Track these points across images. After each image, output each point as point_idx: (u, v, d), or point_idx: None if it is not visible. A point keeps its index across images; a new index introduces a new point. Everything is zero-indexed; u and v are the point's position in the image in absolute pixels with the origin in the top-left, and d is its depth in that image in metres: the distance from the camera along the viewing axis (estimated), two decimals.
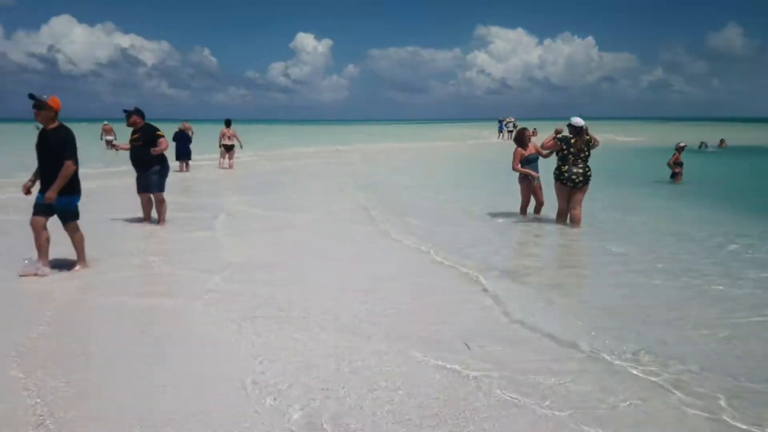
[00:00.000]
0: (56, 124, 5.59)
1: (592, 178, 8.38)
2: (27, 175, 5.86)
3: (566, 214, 8.60)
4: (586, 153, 8.32)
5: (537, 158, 9.14)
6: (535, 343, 4.05)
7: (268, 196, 12.35)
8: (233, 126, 18.02)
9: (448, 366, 3.60)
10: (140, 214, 8.54)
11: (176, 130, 16.94)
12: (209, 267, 6.02)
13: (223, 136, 17.74)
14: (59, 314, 4.68)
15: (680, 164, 14.48)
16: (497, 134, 40.83)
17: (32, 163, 5.73)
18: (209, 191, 13.04)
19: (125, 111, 8.16)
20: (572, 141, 8.36)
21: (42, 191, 5.58)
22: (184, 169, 16.74)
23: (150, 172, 8.14)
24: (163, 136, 8.06)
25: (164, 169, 8.26)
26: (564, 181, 8.38)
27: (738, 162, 23.74)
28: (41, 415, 2.99)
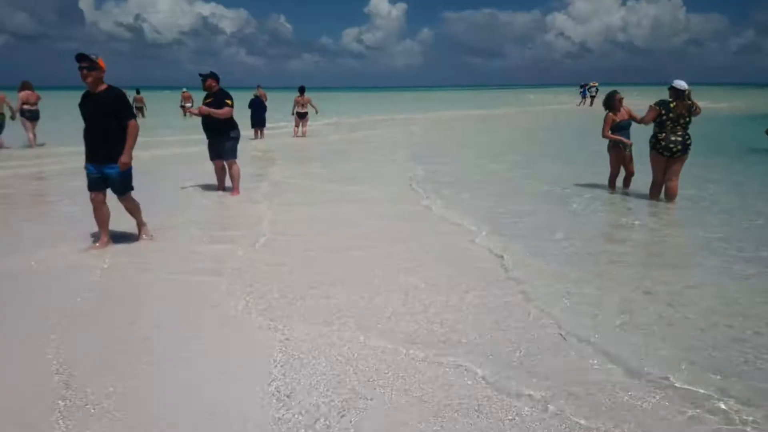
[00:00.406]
0: (105, 86, 5.15)
1: (692, 147, 7.56)
2: None
3: (661, 187, 7.86)
4: (687, 119, 7.52)
5: (629, 124, 8.40)
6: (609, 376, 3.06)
7: (337, 167, 11.71)
8: (307, 93, 17.92)
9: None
10: (215, 181, 8.56)
11: (251, 96, 17.05)
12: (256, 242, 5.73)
13: (296, 103, 17.68)
14: (109, 287, 4.57)
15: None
16: (579, 100, 38.94)
17: None
18: (282, 159, 12.97)
19: (201, 75, 8.08)
20: (672, 105, 7.56)
21: (91, 160, 5.22)
22: (259, 136, 16.84)
23: (222, 138, 8.07)
24: (230, 105, 7.90)
25: (236, 136, 8.18)
26: (660, 150, 7.63)
27: None
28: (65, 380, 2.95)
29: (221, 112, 7.83)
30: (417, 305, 4.03)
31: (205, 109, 7.87)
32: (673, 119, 7.51)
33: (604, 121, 8.32)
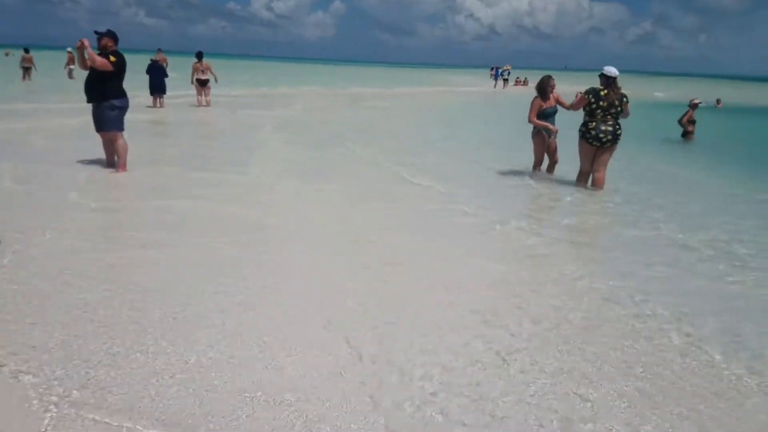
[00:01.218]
0: None
1: (621, 137, 7.38)
2: None
3: (587, 176, 7.66)
4: (618, 108, 7.26)
5: (555, 111, 8.11)
6: None
7: (237, 145, 10.11)
8: (211, 59, 16.49)
9: None
10: (103, 155, 7.42)
11: (149, 61, 15.38)
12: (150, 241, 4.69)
13: (195, 70, 16.21)
14: None
15: (693, 122, 13.69)
16: (493, 83, 39.43)
17: None
18: (181, 133, 11.76)
19: (96, 32, 7.01)
20: (602, 93, 7.28)
21: None
22: (158, 104, 15.32)
23: (104, 106, 6.92)
24: (113, 62, 6.79)
25: (121, 105, 7.03)
26: (590, 140, 7.38)
27: (739, 122, 22.71)
28: None
29: (99, 61, 6.68)
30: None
31: (87, 43, 6.62)
32: (603, 108, 7.25)
33: (531, 105, 7.98)
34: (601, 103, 7.23)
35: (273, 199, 6.26)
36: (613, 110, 7.24)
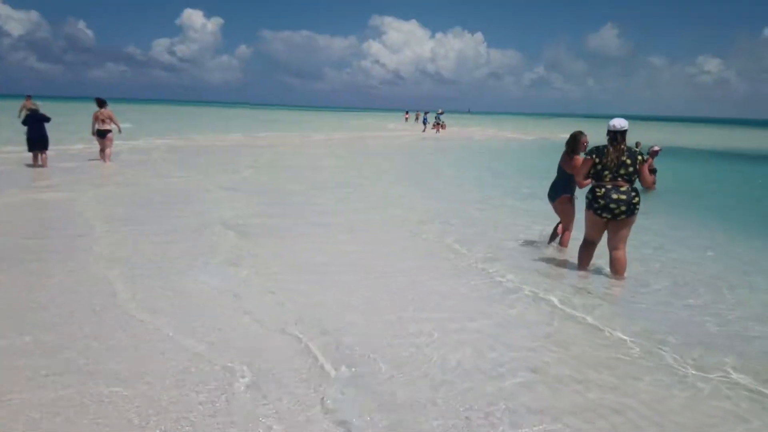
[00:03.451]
0: None
1: (639, 207, 5.72)
2: None
3: (591, 252, 6.09)
4: (630, 169, 5.68)
5: None
6: None
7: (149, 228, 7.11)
8: (110, 105, 13.98)
9: None
10: None
11: (23, 111, 12.57)
12: None
13: (95, 119, 13.65)
14: None
15: (654, 171, 12.86)
16: (414, 125, 38.72)
17: None
18: (65, 214, 8.00)
19: None
20: (606, 150, 5.77)
21: None
22: (39, 162, 12.47)
23: None
24: None
25: None
26: (598, 210, 5.77)
27: (679, 164, 22.50)
28: None
29: None
30: None
31: None
32: (611, 169, 5.73)
33: (577, 166, 6.29)
34: (605, 161, 5.71)
35: None
36: (623, 172, 5.69)
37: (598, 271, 5.98)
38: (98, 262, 5.44)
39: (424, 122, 38.71)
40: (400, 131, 39.02)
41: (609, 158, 5.68)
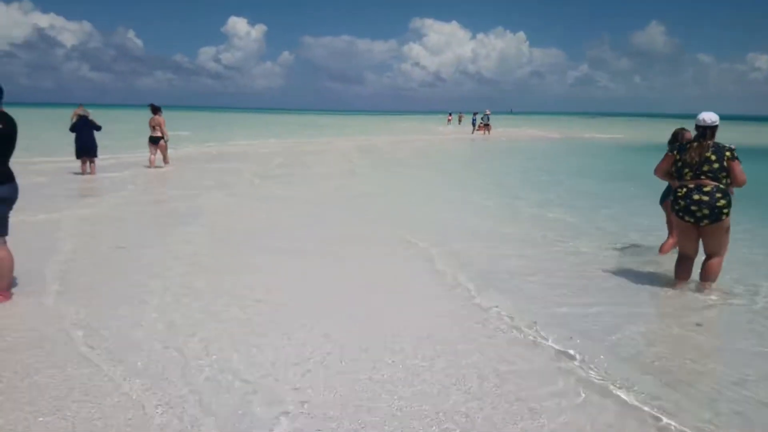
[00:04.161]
0: None
1: (729, 209, 4.97)
2: None
3: (685, 267, 5.37)
4: (715, 166, 4.97)
5: None
6: None
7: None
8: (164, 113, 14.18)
9: None
10: None
11: (74, 118, 12.51)
12: None
13: (150, 126, 13.91)
14: None
15: None
16: (472, 129, 38.32)
17: None
18: (116, 223, 7.63)
19: None
20: (688, 147, 5.12)
21: None
22: (87, 170, 12.42)
23: None
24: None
25: (7, 194, 4.28)
26: (679, 213, 5.13)
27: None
28: None
29: None
30: None
31: None
32: (692, 166, 5.03)
33: (663, 159, 5.53)
34: (686, 158, 5.06)
35: None
36: (706, 169, 4.98)
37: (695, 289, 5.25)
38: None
39: (473, 123, 37.82)
40: (451, 133, 38.32)
41: (690, 154, 5.05)
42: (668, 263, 5.75)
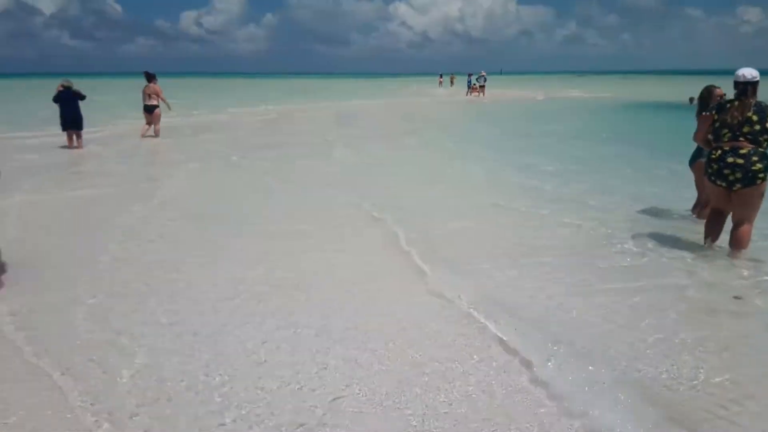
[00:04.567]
0: None
1: (766, 174, 4.68)
2: None
3: (716, 224, 5.16)
4: (756, 128, 4.68)
5: None
6: None
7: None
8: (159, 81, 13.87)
9: None
10: None
11: (58, 88, 11.89)
12: None
13: (143, 94, 13.55)
14: None
15: None
16: (466, 90, 37.60)
17: None
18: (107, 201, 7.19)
19: None
20: (728, 106, 4.81)
21: None
22: (74, 144, 11.90)
23: None
24: None
25: None
26: (711, 176, 4.91)
27: None
28: None
29: None
30: None
31: None
32: (731, 126, 4.74)
33: (700, 121, 5.22)
34: (726, 119, 4.75)
35: None
36: (746, 130, 4.69)
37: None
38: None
39: (468, 85, 37.26)
40: (446, 95, 37.46)
41: (730, 114, 4.76)
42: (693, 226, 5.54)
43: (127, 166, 10.16)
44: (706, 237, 5.18)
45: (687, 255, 5.06)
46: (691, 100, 28.65)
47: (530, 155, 11.09)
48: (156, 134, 13.68)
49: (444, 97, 36.84)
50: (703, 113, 5.15)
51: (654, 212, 6.50)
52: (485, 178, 8.98)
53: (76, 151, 11.63)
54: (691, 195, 6.40)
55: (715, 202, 5.10)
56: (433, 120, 21.75)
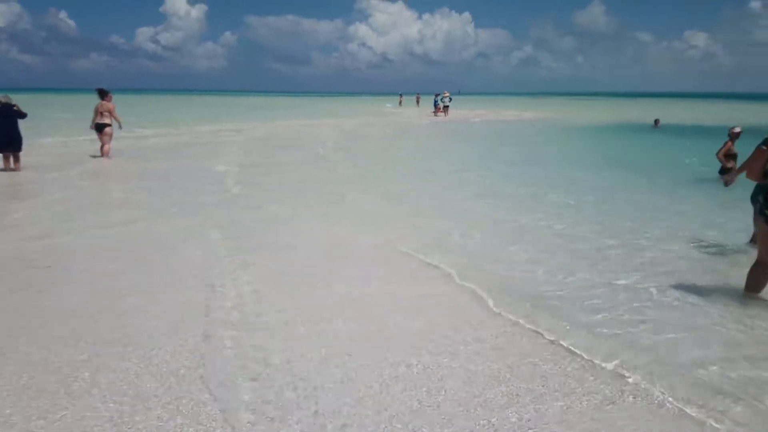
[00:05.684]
0: None
1: None
2: None
3: (759, 275, 4.43)
4: None
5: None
6: None
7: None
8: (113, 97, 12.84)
9: None
10: None
11: None
12: None
13: (95, 112, 12.51)
14: None
15: (734, 156, 10.84)
16: (433, 110, 37.51)
17: None
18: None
19: None
20: None
21: None
22: (11, 165, 10.50)
23: None
24: None
25: None
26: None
27: (680, 142, 20.45)
28: None
29: None
30: None
31: None
32: None
33: (756, 158, 4.41)
34: None
35: None
36: None
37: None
38: None
39: (435, 104, 37.46)
40: (419, 116, 36.60)
41: None
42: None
43: (66, 192, 8.74)
44: (746, 289, 4.50)
45: None
46: (656, 121, 28.75)
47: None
48: (105, 154, 12.53)
49: (414, 117, 36.16)
50: (759, 147, 4.41)
51: None
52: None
53: (13, 173, 10.24)
54: None
55: (763, 245, 4.38)
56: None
